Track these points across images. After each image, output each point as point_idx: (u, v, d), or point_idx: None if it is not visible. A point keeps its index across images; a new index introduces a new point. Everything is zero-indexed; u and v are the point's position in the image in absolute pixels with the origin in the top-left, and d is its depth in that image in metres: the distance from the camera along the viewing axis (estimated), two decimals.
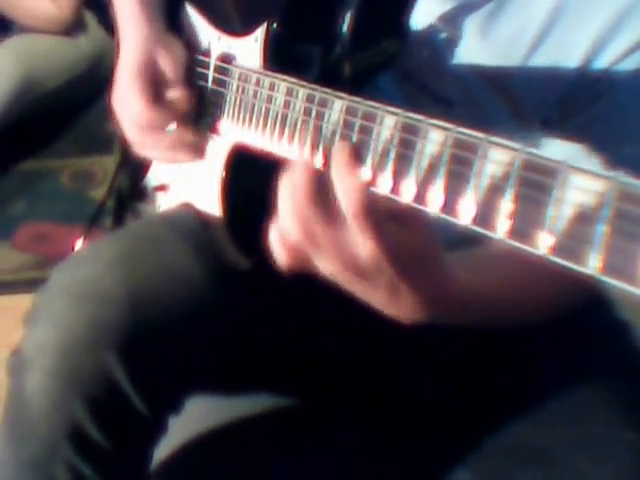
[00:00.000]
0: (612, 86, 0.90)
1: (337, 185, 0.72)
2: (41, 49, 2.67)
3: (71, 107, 2.76)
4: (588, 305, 0.98)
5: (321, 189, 0.73)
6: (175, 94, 1.06)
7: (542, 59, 0.93)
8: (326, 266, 0.75)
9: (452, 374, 1.06)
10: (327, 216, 0.73)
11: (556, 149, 0.89)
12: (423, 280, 0.77)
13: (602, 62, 0.91)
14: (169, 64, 1.06)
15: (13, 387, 0.99)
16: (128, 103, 1.05)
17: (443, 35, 0.96)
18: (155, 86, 1.05)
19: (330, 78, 0.91)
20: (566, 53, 0.92)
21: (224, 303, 1.01)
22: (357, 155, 0.73)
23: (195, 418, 1.08)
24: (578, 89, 0.92)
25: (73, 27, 2.71)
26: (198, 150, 1.07)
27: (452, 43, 0.96)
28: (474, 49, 0.95)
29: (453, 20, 0.95)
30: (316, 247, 0.74)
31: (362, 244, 0.72)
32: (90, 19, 2.77)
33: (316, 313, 1.07)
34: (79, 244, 1.23)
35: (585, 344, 1.04)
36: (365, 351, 1.10)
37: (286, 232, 0.74)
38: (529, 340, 1.03)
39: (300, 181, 0.73)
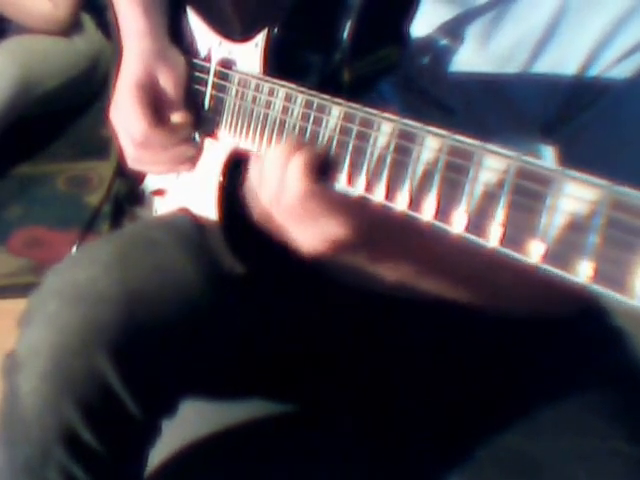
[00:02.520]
0: (609, 88, 0.90)
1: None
2: (38, 50, 2.67)
3: (68, 108, 2.77)
4: (581, 313, 0.98)
5: None
6: (176, 118, 1.06)
7: (543, 66, 0.93)
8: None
9: (447, 382, 1.06)
10: None
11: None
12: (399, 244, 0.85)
13: (601, 65, 0.90)
14: (170, 83, 1.07)
15: (7, 389, 0.99)
16: (127, 121, 1.06)
17: (444, 43, 0.96)
18: (155, 106, 1.06)
19: (329, 84, 0.91)
20: (566, 59, 0.92)
21: (219, 307, 1.01)
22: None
23: (190, 422, 1.08)
24: (577, 93, 0.92)
25: (70, 27, 2.72)
26: (195, 162, 1.08)
27: (453, 51, 0.96)
28: (475, 57, 0.95)
29: (454, 28, 0.95)
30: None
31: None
32: (88, 21, 2.78)
33: (311, 317, 1.07)
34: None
35: (579, 353, 1.04)
36: (360, 357, 1.10)
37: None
38: (523, 349, 1.03)
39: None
